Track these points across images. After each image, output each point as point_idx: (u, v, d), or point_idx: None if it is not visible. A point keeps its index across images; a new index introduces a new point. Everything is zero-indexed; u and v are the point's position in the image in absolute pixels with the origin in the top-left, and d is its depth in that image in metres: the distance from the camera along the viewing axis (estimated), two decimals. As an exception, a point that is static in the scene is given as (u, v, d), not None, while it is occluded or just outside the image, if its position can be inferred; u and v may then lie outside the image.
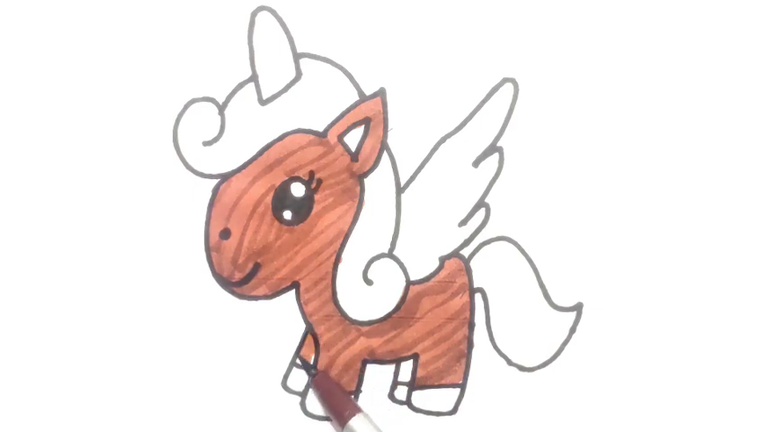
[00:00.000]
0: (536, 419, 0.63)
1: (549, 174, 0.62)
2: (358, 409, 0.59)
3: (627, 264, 0.62)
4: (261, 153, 0.61)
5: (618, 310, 0.62)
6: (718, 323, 0.63)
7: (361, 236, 0.61)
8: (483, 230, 0.62)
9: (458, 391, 0.63)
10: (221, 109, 0.61)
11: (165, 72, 0.60)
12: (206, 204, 0.61)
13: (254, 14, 0.60)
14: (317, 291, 0.62)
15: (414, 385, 0.64)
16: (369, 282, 0.62)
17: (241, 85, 0.61)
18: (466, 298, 0.63)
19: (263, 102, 0.61)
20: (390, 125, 0.61)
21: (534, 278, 0.62)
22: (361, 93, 0.61)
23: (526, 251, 0.62)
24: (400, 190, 0.62)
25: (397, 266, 0.62)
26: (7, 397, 0.62)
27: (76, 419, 0.62)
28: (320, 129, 0.61)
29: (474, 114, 0.61)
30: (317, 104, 0.61)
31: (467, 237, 0.62)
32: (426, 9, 0.61)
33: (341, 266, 0.62)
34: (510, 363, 0.63)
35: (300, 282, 0.62)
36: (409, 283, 0.62)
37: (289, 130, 0.61)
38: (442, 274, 0.62)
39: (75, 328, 0.61)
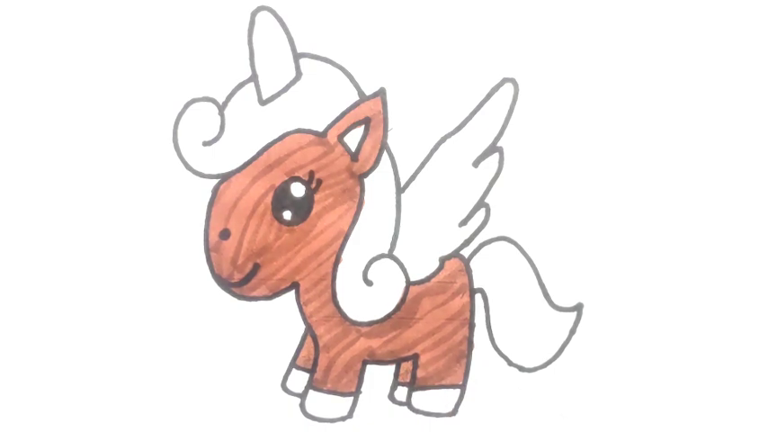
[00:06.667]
0: (536, 420, 0.63)
1: (549, 174, 0.62)
2: None
3: (627, 264, 0.62)
4: (261, 153, 0.61)
5: (618, 310, 0.62)
6: (718, 323, 0.63)
7: (361, 236, 0.61)
8: (483, 230, 0.62)
9: (458, 391, 0.63)
10: (221, 109, 0.61)
11: (165, 72, 0.60)
12: (206, 204, 0.61)
13: (254, 14, 0.60)
14: (316, 291, 0.62)
15: (414, 386, 0.64)
16: (369, 282, 0.61)
17: (241, 85, 0.61)
18: (466, 298, 0.63)
19: (263, 102, 0.61)
20: (390, 125, 0.61)
21: (534, 278, 0.62)
22: (361, 93, 0.61)
23: (526, 251, 0.62)
24: (400, 190, 0.61)
25: (397, 267, 0.62)
26: (7, 397, 0.61)
27: (76, 419, 0.62)
28: (320, 129, 0.61)
29: (474, 114, 0.61)
30: (317, 104, 0.61)
31: (467, 237, 0.62)
32: (426, 9, 0.61)
33: (341, 267, 0.61)
34: (510, 363, 0.63)
35: (300, 282, 0.62)
36: (409, 284, 0.62)
37: (289, 130, 0.61)
38: (442, 274, 0.62)
39: (74, 327, 0.61)
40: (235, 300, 0.62)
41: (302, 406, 0.63)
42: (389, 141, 0.61)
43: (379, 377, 0.63)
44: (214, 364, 0.62)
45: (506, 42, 0.61)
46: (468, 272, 0.62)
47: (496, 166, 0.62)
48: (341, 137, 0.61)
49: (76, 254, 0.61)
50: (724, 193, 0.62)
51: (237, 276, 0.61)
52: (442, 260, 0.62)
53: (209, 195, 0.61)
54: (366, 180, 0.61)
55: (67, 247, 0.61)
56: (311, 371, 0.63)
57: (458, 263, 0.62)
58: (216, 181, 0.61)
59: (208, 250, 0.61)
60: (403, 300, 0.62)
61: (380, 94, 0.61)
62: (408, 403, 0.64)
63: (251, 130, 0.61)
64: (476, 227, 0.62)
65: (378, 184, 0.61)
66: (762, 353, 0.63)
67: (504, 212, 0.62)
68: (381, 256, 0.61)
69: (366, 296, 0.62)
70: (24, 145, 0.61)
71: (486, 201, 0.62)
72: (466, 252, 0.62)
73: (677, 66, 0.62)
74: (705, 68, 0.62)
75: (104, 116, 0.61)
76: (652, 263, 0.62)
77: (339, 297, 0.62)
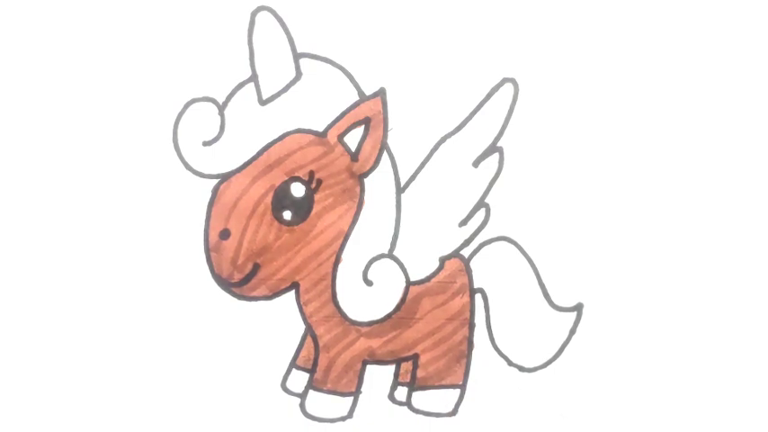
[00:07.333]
0: (536, 420, 0.63)
1: (549, 174, 0.62)
2: None
3: (627, 264, 0.62)
4: (261, 153, 0.61)
5: (618, 310, 0.62)
6: (718, 324, 0.63)
7: (361, 236, 0.61)
8: (483, 230, 0.62)
9: (458, 391, 0.63)
10: (221, 109, 0.61)
11: (165, 72, 0.60)
12: (206, 204, 0.61)
13: (254, 14, 0.60)
14: (316, 291, 0.62)
15: (414, 386, 0.63)
16: (369, 282, 0.61)
17: (241, 85, 0.61)
18: (466, 298, 0.63)
19: (263, 102, 0.61)
20: (390, 125, 0.61)
21: (534, 278, 0.62)
22: (361, 93, 0.61)
23: (526, 251, 0.62)
24: (400, 190, 0.61)
25: (397, 267, 0.62)
26: (7, 397, 0.61)
27: (76, 419, 0.62)
28: (320, 129, 0.61)
29: (474, 114, 0.61)
30: (317, 104, 0.61)
31: (467, 237, 0.62)
32: (426, 9, 0.61)
33: (341, 267, 0.61)
34: (510, 363, 0.63)
35: (300, 282, 0.62)
36: (409, 284, 0.62)
37: (289, 130, 0.61)
38: (442, 274, 0.62)
39: (74, 327, 0.61)
40: (235, 300, 0.62)
41: (302, 406, 0.63)
42: (389, 141, 0.61)
43: (379, 377, 0.63)
44: (214, 364, 0.62)
45: (506, 42, 0.61)
46: (468, 272, 0.62)
47: (496, 166, 0.62)
48: (341, 137, 0.61)
49: (77, 254, 0.61)
50: (723, 193, 0.62)
51: (237, 276, 0.61)
52: (442, 260, 0.62)
53: (209, 195, 0.61)
54: (366, 180, 0.61)
55: (68, 246, 0.61)
56: (311, 371, 0.63)
57: (458, 263, 0.62)
58: (216, 181, 0.61)
59: (208, 250, 0.61)
60: (403, 300, 0.62)
61: (380, 94, 0.61)
62: (408, 403, 0.64)
63: (251, 130, 0.61)
64: (476, 227, 0.62)
65: (378, 184, 0.61)
66: (762, 353, 0.63)
67: (504, 212, 0.62)
68: (381, 256, 0.61)
69: (366, 296, 0.62)
70: (25, 145, 0.61)
71: (486, 201, 0.62)
72: (466, 252, 0.62)
73: (677, 66, 0.62)
74: (705, 68, 0.62)
75: (105, 116, 0.61)
76: (652, 263, 0.62)
77: (339, 297, 0.62)
